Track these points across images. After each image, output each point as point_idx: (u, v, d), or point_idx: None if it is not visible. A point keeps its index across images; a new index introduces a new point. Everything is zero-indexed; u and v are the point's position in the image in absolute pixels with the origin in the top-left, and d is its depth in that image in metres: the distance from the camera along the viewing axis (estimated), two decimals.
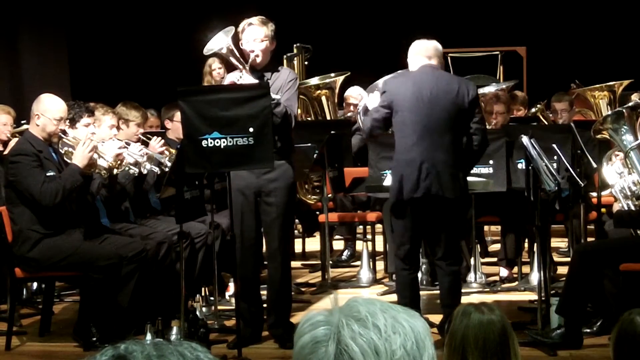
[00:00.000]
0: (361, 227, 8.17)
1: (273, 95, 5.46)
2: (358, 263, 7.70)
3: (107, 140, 6.19)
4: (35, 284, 6.93)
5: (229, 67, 5.91)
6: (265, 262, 5.98)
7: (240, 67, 5.65)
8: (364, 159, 7.35)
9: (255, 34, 5.65)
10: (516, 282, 7.19)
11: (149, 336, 5.35)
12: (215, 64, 8.96)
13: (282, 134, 5.57)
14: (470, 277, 7.06)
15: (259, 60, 5.66)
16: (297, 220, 8.83)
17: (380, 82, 5.94)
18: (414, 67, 5.69)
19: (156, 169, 6.33)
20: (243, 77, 5.58)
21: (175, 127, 7.01)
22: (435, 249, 5.73)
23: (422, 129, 5.48)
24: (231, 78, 5.65)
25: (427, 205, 5.50)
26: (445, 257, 5.65)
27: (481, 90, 8.18)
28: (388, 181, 6.58)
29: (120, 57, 11.91)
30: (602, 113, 8.67)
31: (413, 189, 5.46)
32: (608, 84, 9.09)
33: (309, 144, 7.22)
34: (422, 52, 5.67)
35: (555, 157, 6.02)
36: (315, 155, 7.15)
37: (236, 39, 5.69)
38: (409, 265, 5.64)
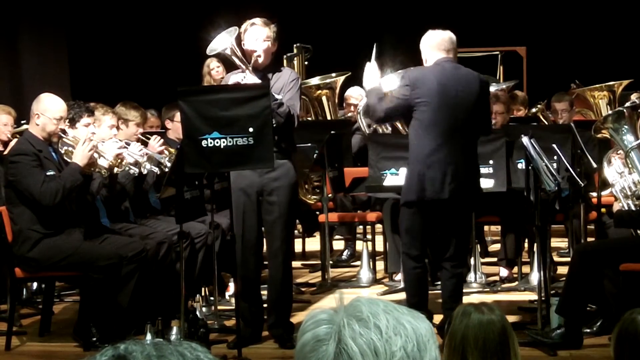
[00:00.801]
0: (361, 227, 8.17)
1: (276, 95, 5.47)
2: (358, 263, 7.70)
3: (107, 140, 6.19)
4: (35, 284, 6.93)
5: (230, 67, 5.92)
6: (266, 262, 5.97)
7: (243, 67, 5.65)
8: (364, 159, 7.34)
9: (258, 34, 5.65)
10: (516, 282, 7.19)
11: (149, 336, 5.34)
12: (213, 63, 8.97)
13: (284, 133, 5.57)
14: (470, 277, 7.06)
15: (261, 60, 5.65)
16: (297, 220, 8.82)
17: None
18: (430, 60, 5.62)
19: (155, 169, 6.33)
20: (247, 77, 5.58)
21: (175, 127, 7.01)
22: (443, 250, 5.72)
23: (448, 130, 5.46)
24: (235, 79, 5.64)
25: (448, 206, 5.50)
26: (452, 258, 5.65)
27: None
28: (388, 181, 6.59)
29: (120, 57, 11.91)
30: (602, 113, 8.67)
31: (438, 191, 5.44)
32: (608, 83, 9.09)
33: (309, 144, 7.21)
34: (439, 46, 5.59)
35: (555, 157, 6.01)
36: (315, 155, 7.15)
37: (238, 40, 5.70)
38: (421, 264, 5.64)
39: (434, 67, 5.60)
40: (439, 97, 5.46)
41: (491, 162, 6.49)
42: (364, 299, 1.48)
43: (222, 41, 5.70)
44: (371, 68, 5.76)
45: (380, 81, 5.74)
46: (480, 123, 5.64)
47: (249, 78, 5.58)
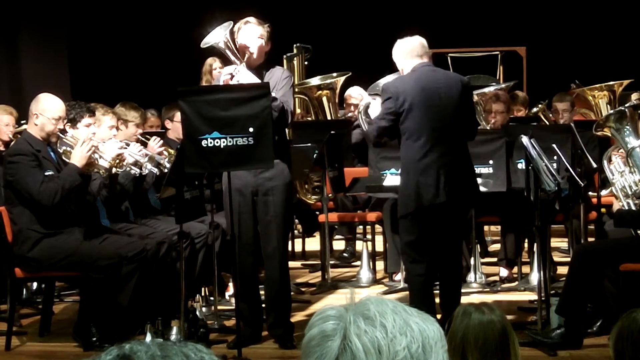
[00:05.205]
0: (361, 227, 8.16)
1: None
2: (358, 263, 7.70)
3: (106, 140, 6.18)
4: (35, 284, 6.93)
5: (226, 64, 5.94)
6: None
7: (237, 61, 5.66)
8: (362, 154, 7.35)
9: (252, 31, 5.67)
10: (516, 282, 7.19)
11: (148, 336, 5.35)
12: (215, 64, 8.94)
13: (278, 131, 5.56)
14: (470, 277, 7.06)
15: (254, 56, 5.66)
16: (296, 220, 8.82)
17: (381, 82, 5.92)
18: (406, 69, 5.62)
19: (155, 170, 6.33)
20: (240, 71, 5.58)
21: (175, 127, 7.02)
22: (441, 252, 5.70)
23: (436, 133, 5.45)
24: (228, 70, 5.65)
25: (446, 210, 5.49)
26: (449, 259, 5.64)
27: (481, 90, 8.20)
28: (388, 181, 6.59)
29: (120, 57, 11.91)
30: (602, 113, 8.67)
31: (434, 196, 5.42)
32: (608, 83, 9.10)
33: (309, 144, 7.21)
34: (412, 52, 5.59)
35: (555, 157, 6.01)
36: (315, 155, 7.15)
37: (232, 36, 5.71)
38: (425, 271, 5.55)
39: (412, 74, 5.58)
40: (424, 102, 5.45)
41: (491, 162, 6.50)
42: (373, 298, 1.49)
43: (216, 35, 5.71)
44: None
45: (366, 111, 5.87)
46: (466, 124, 5.61)
47: (242, 71, 5.58)
